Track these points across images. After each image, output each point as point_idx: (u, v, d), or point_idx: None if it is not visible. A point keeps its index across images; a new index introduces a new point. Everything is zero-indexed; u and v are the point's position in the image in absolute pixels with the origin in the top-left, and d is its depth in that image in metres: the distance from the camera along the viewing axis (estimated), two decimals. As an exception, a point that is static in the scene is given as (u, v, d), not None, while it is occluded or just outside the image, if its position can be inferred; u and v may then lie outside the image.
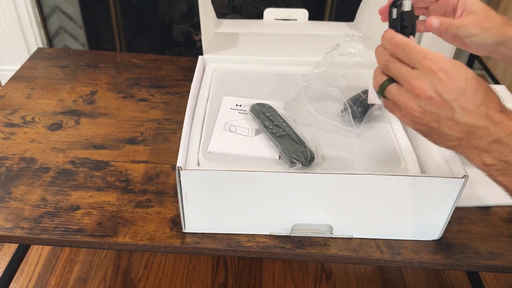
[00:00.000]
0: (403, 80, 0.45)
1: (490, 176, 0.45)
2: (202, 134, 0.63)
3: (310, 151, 0.58)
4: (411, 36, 0.48)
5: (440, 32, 0.59)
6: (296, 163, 0.56)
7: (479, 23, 0.58)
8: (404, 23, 0.48)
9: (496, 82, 1.60)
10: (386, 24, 0.51)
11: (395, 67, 0.46)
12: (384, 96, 0.48)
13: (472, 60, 1.80)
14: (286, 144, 0.59)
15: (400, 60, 0.45)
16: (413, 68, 0.44)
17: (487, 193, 0.69)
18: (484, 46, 0.59)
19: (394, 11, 0.49)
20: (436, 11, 0.61)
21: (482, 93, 0.44)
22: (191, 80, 0.71)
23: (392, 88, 0.46)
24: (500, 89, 0.88)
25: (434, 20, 0.57)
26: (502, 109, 0.44)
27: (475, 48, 0.60)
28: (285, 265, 1.17)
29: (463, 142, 0.45)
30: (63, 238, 0.60)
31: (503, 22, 0.59)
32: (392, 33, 0.47)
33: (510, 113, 0.44)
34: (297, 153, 0.57)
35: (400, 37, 0.46)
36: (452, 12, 0.59)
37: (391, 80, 0.47)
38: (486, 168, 0.45)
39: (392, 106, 0.47)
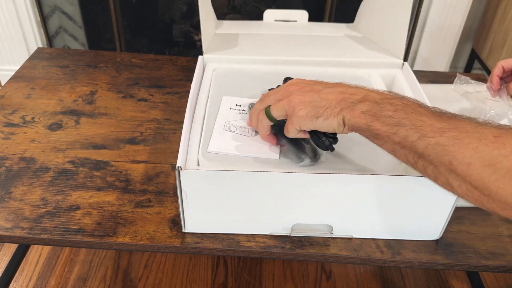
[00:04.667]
0: (279, 93, 0.56)
1: (368, 125, 0.48)
2: (202, 134, 0.63)
3: (316, 148, 0.58)
4: None
5: None
6: (304, 159, 0.56)
7: None
8: None
9: (496, 82, 1.60)
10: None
11: (269, 95, 0.58)
12: (274, 122, 0.58)
13: (472, 60, 1.80)
14: (290, 141, 0.59)
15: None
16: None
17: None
18: None
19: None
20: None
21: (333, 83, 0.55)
22: (191, 80, 0.71)
23: (274, 105, 0.56)
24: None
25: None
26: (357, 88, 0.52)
27: None
28: (285, 265, 1.17)
29: (343, 104, 0.50)
30: (63, 238, 0.60)
31: None
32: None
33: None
34: (303, 148, 0.57)
35: None
36: None
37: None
38: (363, 116, 0.48)
39: (286, 125, 0.56)
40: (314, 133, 0.54)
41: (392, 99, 0.48)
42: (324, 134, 0.54)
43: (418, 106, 0.47)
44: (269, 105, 0.56)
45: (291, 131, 0.54)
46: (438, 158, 0.43)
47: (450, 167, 0.42)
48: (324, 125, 0.51)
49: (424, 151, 0.44)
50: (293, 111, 0.52)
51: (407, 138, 0.45)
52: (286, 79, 0.64)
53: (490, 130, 0.41)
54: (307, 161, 0.56)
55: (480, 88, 0.74)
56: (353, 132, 0.65)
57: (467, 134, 0.41)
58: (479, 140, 0.41)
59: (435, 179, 0.45)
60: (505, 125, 0.42)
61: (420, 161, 0.45)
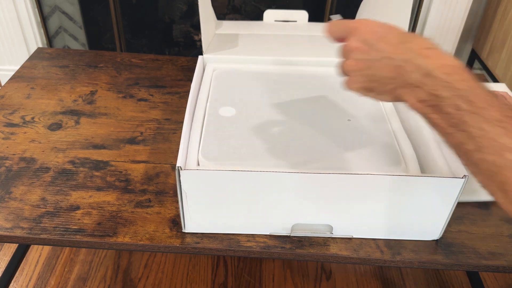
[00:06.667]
0: (342, 48, 0.50)
1: (426, 115, 0.44)
2: (202, 134, 0.63)
3: None
4: None
5: None
6: None
7: None
8: None
9: (496, 81, 1.60)
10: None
11: (340, 48, 0.51)
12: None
13: (472, 60, 1.80)
14: None
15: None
16: None
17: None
18: None
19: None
20: None
21: (405, 36, 0.46)
22: (191, 80, 0.71)
23: (339, 64, 0.51)
24: (500, 88, 0.88)
25: None
26: (430, 47, 0.45)
27: None
28: (285, 265, 1.17)
29: (398, 82, 0.45)
30: (63, 238, 0.60)
31: None
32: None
33: (439, 50, 0.44)
34: None
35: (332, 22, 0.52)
36: None
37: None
38: (420, 105, 0.44)
39: (344, 80, 0.51)
40: None
41: (459, 90, 0.41)
42: None
43: (486, 102, 0.40)
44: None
45: (350, 90, 0.51)
46: (491, 175, 0.39)
47: (502, 186, 0.39)
48: (377, 98, 0.49)
49: (478, 162, 0.40)
50: (348, 80, 0.50)
51: (462, 145, 0.41)
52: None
53: None
54: None
55: None
56: (353, 131, 0.65)
57: None
58: None
59: (482, 185, 0.42)
60: None
61: (471, 167, 0.42)
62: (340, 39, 0.51)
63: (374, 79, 0.47)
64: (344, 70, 0.50)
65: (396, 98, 0.47)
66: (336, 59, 0.80)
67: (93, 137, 0.77)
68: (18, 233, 0.60)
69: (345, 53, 0.50)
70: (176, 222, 0.63)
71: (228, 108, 0.68)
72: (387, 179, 0.55)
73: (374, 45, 0.47)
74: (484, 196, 0.68)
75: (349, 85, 0.50)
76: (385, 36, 0.47)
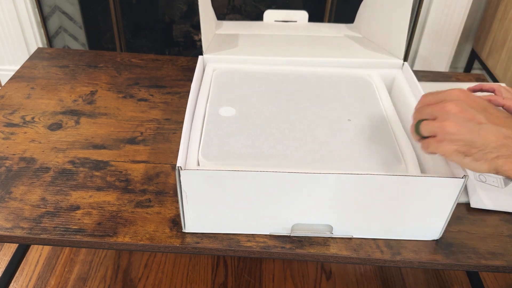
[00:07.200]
0: (435, 108, 0.50)
1: None
2: (202, 134, 0.63)
3: None
4: None
5: None
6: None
7: None
8: None
9: (496, 81, 1.60)
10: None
11: (427, 108, 0.51)
12: (421, 136, 0.53)
13: (472, 60, 1.80)
14: None
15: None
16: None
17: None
18: None
19: None
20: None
21: (504, 112, 0.50)
22: (191, 80, 0.71)
23: (425, 122, 0.51)
24: (500, 89, 0.88)
25: None
26: None
27: None
28: (285, 265, 1.17)
29: (503, 151, 0.46)
30: (63, 238, 0.60)
31: None
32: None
33: None
34: None
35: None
36: None
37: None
38: None
39: (429, 141, 0.51)
40: None
41: None
42: None
43: None
44: (421, 121, 0.52)
45: (432, 152, 0.51)
46: None
47: None
48: (470, 165, 0.48)
49: None
50: (442, 139, 0.49)
51: None
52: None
53: None
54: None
55: None
56: (353, 131, 0.65)
57: None
58: None
59: None
60: None
61: None
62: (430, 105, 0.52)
63: (474, 145, 0.47)
64: (437, 131, 0.49)
65: (493, 167, 0.47)
66: (335, 59, 0.80)
67: (93, 137, 0.77)
68: (18, 233, 0.60)
69: (442, 114, 0.49)
70: (176, 222, 0.63)
71: (228, 108, 0.68)
72: (387, 179, 0.55)
73: (480, 112, 0.48)
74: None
75: (440, 147, 0.49)
76: (487, 107, 0.49)
